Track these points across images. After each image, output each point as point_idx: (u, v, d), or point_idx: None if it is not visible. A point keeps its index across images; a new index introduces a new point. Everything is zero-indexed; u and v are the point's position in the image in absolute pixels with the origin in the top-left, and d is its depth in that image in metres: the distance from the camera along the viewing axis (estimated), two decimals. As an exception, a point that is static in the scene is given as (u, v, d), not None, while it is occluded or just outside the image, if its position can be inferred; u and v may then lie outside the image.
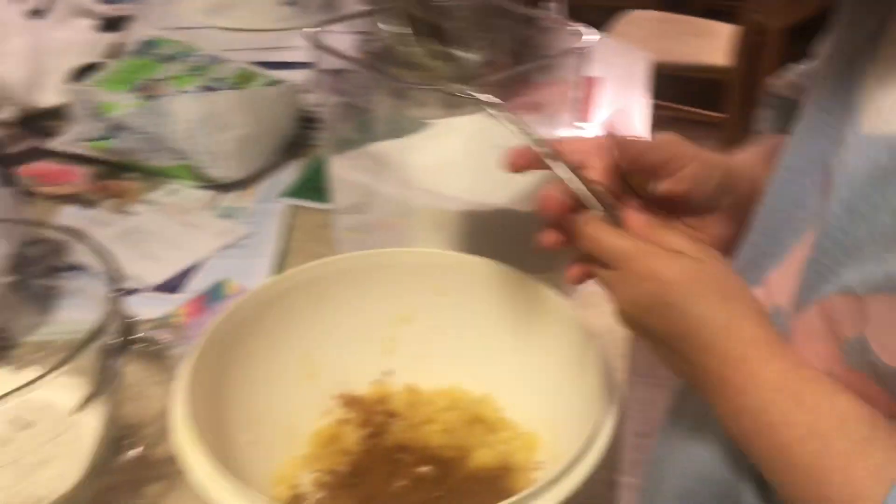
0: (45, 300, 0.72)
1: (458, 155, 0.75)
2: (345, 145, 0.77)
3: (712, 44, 2.55)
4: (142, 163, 0.99)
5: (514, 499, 0.46)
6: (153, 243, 0.89)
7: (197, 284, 0.83)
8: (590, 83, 1.20)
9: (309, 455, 0.61)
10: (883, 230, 0.39)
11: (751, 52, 2.26)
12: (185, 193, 0.98)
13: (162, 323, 0.57)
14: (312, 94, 1.11)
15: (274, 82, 1.04)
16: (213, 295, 0.82)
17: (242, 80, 1.04)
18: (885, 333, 0.39)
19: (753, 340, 0.43)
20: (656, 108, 1.21)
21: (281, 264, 0.87)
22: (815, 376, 0.42)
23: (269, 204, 0.97)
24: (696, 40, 2.61)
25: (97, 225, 0.91)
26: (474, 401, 0.64)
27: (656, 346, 0.48)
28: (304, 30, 0.71)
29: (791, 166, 0.49)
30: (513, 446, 0.61)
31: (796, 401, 0.41)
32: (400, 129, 0.77)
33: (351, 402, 0.65)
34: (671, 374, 0.50)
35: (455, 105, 0.77)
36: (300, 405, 0.63)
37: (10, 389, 0.49)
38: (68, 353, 0.51)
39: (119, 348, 0.55)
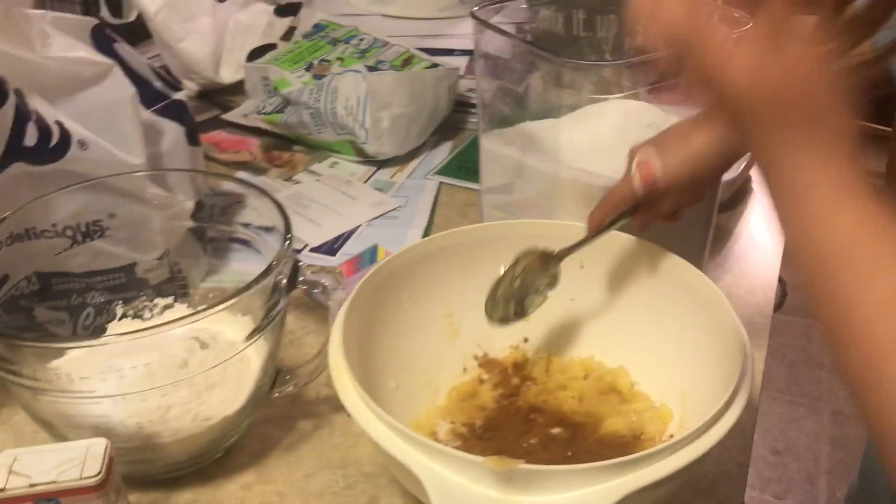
0: (219, 250, 0.80)
1: (608, 135, 0.77)
2: (498, 123, 0.80)
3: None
4: (308, 136, 1.06)
5: (637, 455, 0.47)
6: (315, 210, 0.95)
7: (351, 248, 0.89)
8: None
9: (447, 407, 0.65)
10: None
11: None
12: (345, 166, 1.05)
13: (324, 269, 0.61)
14: (467, 79, 1.15)
15: (432, 66, 1.08)
16: (366, 258, 0.87)
17: (403, 63, 1.09)
18: None
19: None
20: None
21: (428, 235, 0.91)
22: None
23: (421, 180, 1.02)
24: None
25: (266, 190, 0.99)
26: (609, 371, 0.66)
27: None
28: (473, 10, 0.74)
29: None
30: (644, 417, 0.62)
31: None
32: (553, 109, 0.79)
33: (489, 363, 0.68)
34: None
35: (609, 87, 0.79)
36: (442, 360, 0.67)
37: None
38: (244, 286, 0.57)
39: (286, 288, 0.60)
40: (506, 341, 0.70)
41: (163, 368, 0.59)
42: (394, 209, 0.96)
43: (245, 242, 0.73)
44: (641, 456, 0.48)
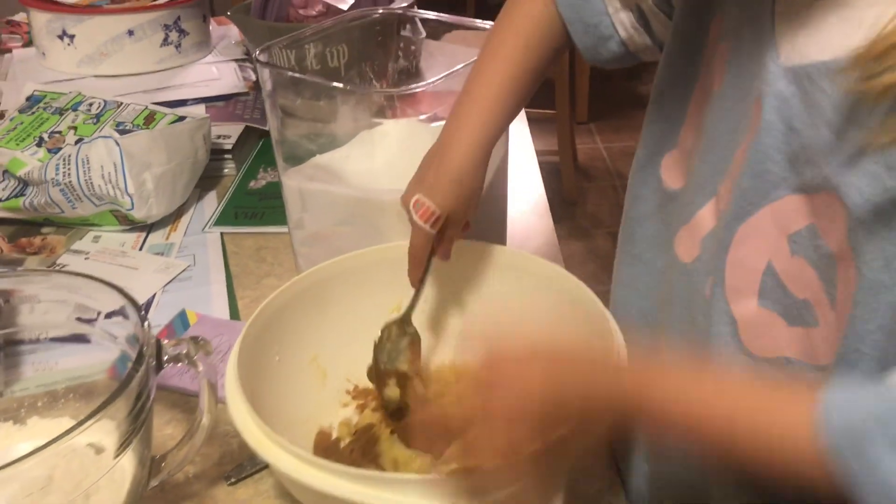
0: (10, 356, 0.71)
1: (395, 155, 0.81)
2: (293, 160, 0.81)
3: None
4: (60, 215, 0.97)
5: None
6: (97, 290, 0.88)
7: (157, 320, 0.84)
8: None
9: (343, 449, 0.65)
10: (814, 143, 0.47)
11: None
12: (111, 237, 0.98)
13: (182, 340, 0.58)
14: (215, 126, 1.13)
15: (178, 119, 1.05)
16: (178, 325, 0.82)
17: (146, 120, 1.04)
18: (827, 223, 0.48)
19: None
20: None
21: (232, 289, 0.89)
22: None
23: (201, 235, 0.98)
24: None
25: (31, 282, 0.89)
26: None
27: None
28: (256, 55, 0.74)
29: (725, 95, 0.56)
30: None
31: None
32: (339, 138, 0.81)
33: (362, 393, 0.69)
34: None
35: (380, 113, 0.83)
36: (319, 405, 0.66)
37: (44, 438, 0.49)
38: (122, 383, 0.52)
39: (154, 371, 0.56)
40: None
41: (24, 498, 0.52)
42: (184, 270, 0.92)
43: (60, 338, 0.66)
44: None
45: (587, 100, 3.13)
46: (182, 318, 0.84)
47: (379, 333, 0.67)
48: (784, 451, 0.41)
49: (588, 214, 2.68)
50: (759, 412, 0.43)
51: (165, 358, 0.57)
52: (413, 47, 0.99)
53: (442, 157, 0.64)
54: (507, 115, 0.67)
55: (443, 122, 0.67)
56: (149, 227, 0.99)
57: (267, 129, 0.89)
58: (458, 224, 0.66)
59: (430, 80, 0.75)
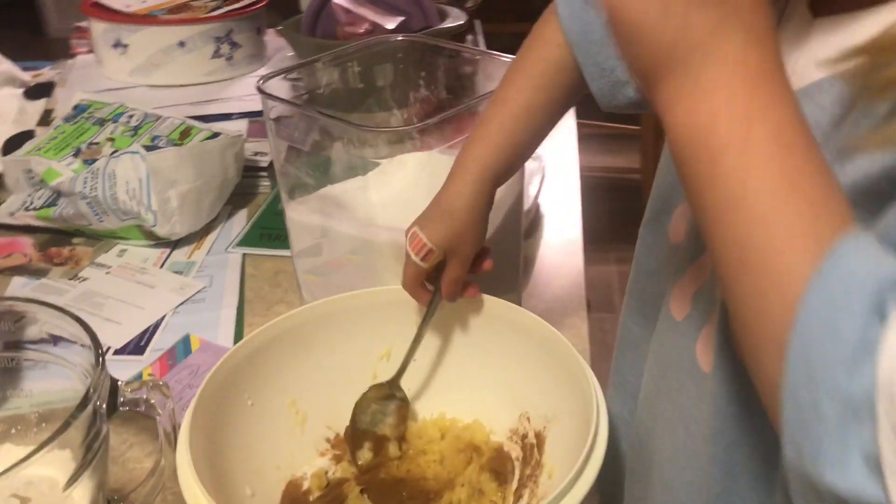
0: (9, 374, 0.71)
1: (408, 189, 0.78)
2: (298, 190, 0.78)
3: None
4: (89, 227, 0.98)
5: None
6: (110, 307, 0.88)
7: (161, 343, 0.83)
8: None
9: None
10: None
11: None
12: (136, 252, 0.98)
13: (145, 383, 0.56)
14: (252, 142, 1.12)
15: (213, 136, 1.04)
16: (180, 351, 0.81)
17: (181, 135, 1.04)
18: None
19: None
20: (580, 126, 1.26)
21: (241, 314, 0.87)
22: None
23: (223, 255, 0.97)
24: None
25: (50, 293, 0.90)
26: (465, 428, 0.65)
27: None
28: (258, 83, 0.72)
29: None
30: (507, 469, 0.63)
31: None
32: (349, 170, 0.78)
33: (342, 443, 0.66)
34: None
35: (400, 143, 0.79)
36: (294, 452, 0.64)
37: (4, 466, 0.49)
38: (64, 424, 0.51)
39: (107, 412, 0.54)
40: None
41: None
42: (199, 291, 0.91)
43: (37, 362, 0.66)
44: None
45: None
46: (185, 343, 0.83)
47: (364, 388, 0.65)
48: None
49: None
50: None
51: (122, 400, 0.55)
52: (468, 69, 0.95)
53: (446, 192, 0.64)
54: (513, 155, 0.64)
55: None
56: (174, 244, 0.99)
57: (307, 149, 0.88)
58: (460, 262, 0.63)
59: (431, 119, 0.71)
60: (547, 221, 1.05)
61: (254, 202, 1.08)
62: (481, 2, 1.46)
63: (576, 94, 0.64)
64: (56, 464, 0.55)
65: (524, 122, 0.63)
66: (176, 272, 0.94)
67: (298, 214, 0.77)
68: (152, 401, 0.55)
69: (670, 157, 0.59)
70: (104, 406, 0.54)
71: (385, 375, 0.66)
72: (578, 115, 1.30)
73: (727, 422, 0.49)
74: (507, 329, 0.65)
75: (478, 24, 1.49)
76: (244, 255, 0.97)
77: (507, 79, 0.65)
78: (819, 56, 0.43)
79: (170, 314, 0.87)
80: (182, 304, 0.89)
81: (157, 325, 0.85)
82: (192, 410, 0.55)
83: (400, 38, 0.87)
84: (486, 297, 0.65)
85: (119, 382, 0.56)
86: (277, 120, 0.80)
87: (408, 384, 0.66)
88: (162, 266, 0.95)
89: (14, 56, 1.33)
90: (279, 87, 1.01)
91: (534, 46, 0.64)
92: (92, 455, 0.54)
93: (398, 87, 0.89)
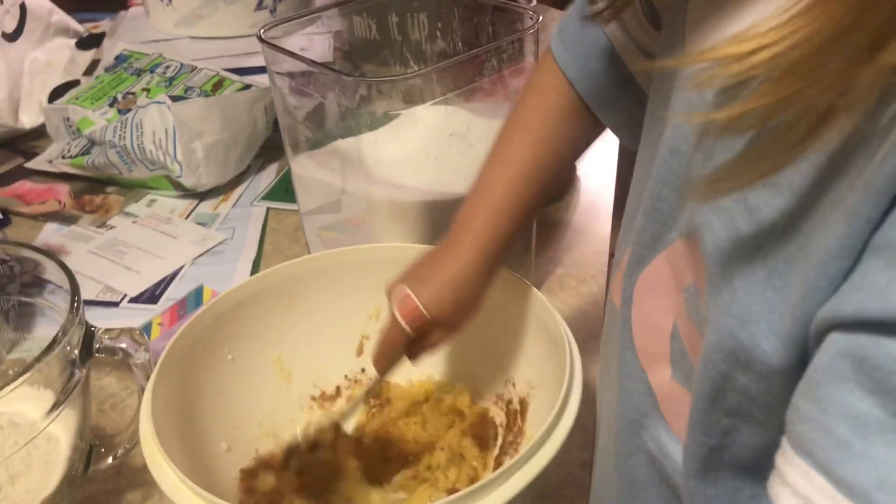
0: (21, 317, 0.73)
1: (417, 147, 0.76)
2: (305, 145, 0.77)
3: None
4: (120, 176, 1.00)
5: (483, 481, 0.46)
6: (132, 256, 0.89)
7: (175, 293, 0.84)
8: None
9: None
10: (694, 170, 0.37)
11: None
12: (164, 203, 0.99)
13: (123, 331, 0.57)
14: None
15: (244, 87, 1.04)
16: (191, 302, 0.82)
17: (214, 87, 1.04)
18: (697, 277, 0.37)
19: None
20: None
21: (258, 268, 0.87)
22: None
23: (247, 208, 0.98)
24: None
25: (78, 240, 0.92)
26: (448, 391, 0.64)
27: None
28: (259, 32, 0.71)
29: (650, 126, 0.47)
30: (489, 435, 0.61)
31: None
32: (359, 125, 0.77)
33: (328, 401, 0.65)
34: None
35: (413, 96, 0.77)
36: (277, 408, 0.63)
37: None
38: (28, 364, 0.51)
39: (81, 358, 0.55)
40: (342, 374, 0.67)
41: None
42: (219, 243, 0.91)
43: (49, 310, 0.67)
44: (487, 482, 0.46)
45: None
46: (198, 294, 0.83)
47: (352, 348, 0.64)
48: None
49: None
50: None
51: (97, 347, 0.56)
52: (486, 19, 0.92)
53: (445, 255, 0.56)
54: (521, 219, 0.57)
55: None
56: (202, 195, 1.00)
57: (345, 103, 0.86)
58: (448, 333, 0.56)
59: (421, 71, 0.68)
60: (582, 185, 1.02)
61: (286, 157, 1.08)
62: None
63: (578, 139, 0.58)
64: (36, 403, 0.56)
65: (527, 184, 0.56)
66: (200, 223, 0.95)
67: (305, 169, 0.76)
68: (126, 347, 0.56)
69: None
70: (76, 352, 0.54)
71: (373, 335, 0.65)
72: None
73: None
74: (495, 293, 0.62)
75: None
76: (268, 209, 0.97)
77: (503, 137, 0.58)
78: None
79: (188, 265, 0.88)
80: (201, 255, 0.90)
81: (174, 275, 0.86)
82: (161, 361, 0.55)
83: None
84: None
85: (94, 329, 0.56)
86: (289, 74, 0.78)
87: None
88: (188, 217, 0.96)
89: (74, 8, 1.35)
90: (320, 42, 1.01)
91: (529, 96, 0.58)
92: (65, 395, 0.54)
93: (414, 39, 0.87)
